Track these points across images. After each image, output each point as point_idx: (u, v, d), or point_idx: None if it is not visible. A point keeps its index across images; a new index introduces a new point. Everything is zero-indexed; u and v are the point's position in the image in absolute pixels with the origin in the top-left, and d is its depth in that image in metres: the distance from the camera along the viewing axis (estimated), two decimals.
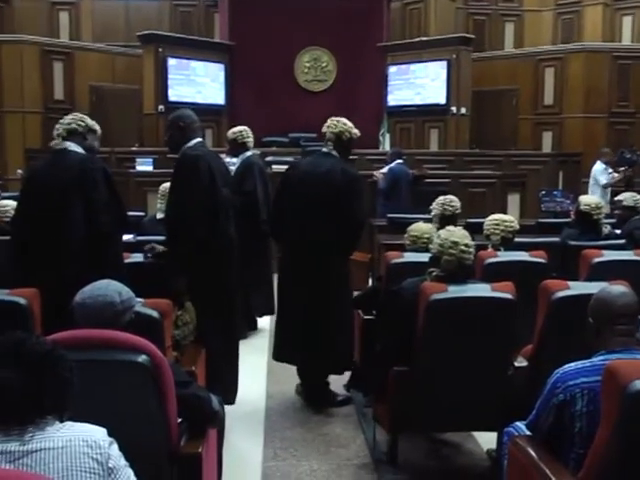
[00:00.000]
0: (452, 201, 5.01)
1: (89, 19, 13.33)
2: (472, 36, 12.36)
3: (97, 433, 1.70)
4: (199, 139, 4.04)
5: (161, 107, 11.66)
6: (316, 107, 11.38)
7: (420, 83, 12.12)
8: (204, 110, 10.94)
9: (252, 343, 5.59)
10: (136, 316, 2.57)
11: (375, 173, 8.99)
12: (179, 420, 2.48)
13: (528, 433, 2.59)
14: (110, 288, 2.50)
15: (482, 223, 4.74)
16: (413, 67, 12.21)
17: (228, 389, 3.96)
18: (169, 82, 11.88)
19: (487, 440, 3.85)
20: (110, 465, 1.68)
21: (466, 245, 3.41)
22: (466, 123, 11.96)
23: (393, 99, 12.37)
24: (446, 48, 11.88)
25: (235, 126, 6.19)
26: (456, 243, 3.39)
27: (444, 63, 11.83)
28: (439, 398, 3.40)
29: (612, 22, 13.26)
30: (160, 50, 11.80)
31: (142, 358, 2.26)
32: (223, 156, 5.48)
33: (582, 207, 5.24)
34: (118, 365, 2.27)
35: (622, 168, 9.41)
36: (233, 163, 5.83)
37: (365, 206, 4.94)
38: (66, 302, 2.57)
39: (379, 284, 4.46)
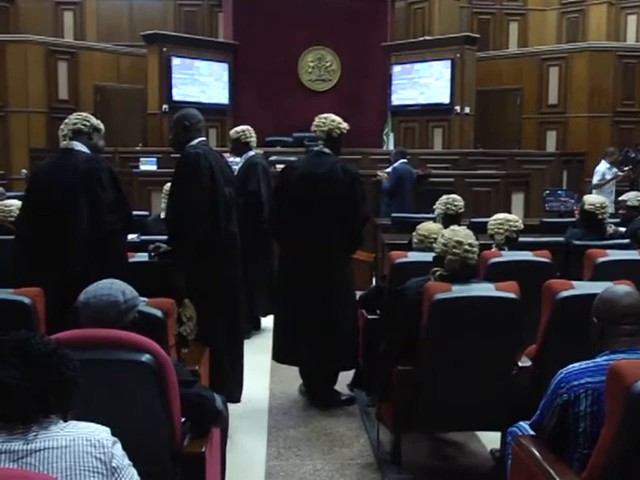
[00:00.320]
0: (456, 200, 5.00)
1: (93, 19, 13.34)
2: (476, 35, 12.34)
3: (101, 432, 1.70)
4: (202, 138, 4.04)
5: (165, 107, 11.69)
6: (320, 107, 11.29)
7: (424, 82, 12.11)
8: (208, 110, 10.92)
9: (255, 343, 5.59)
10: (140, 315, 2.57)
11: (379, 172, 9.00)
12: (183, 419, 2.48)
13: (532, 433, 2.58)
14: (114, 287, 2.50)
15: (486, 223, 4.74)
16: (417, 66, 12.20)
17: (233, 389, 3.96)
18: (173, 82, 11.90)
19: (491, 440, 3.85)
20: (114, 464, 1.68)
21: (470, 245, 3.41)
22: (470, 123, 11.94)
23: (397, 98, 12.36)
24: (450, 47, 11.85)
25: (238, 125, 6.20)
26: (460, 242, 3.39)
27: (448, 62, 11.81)
28: (443, 398, 3.39)
29: (617, 21, 13.22)
30: (164, 50, 11.82)
31: (146, 357, 2.26)
32: (227, 155, 5.49)
33: (586, 207, 5.23)
34: (122, 364, 2.28)
35: (626, 167, 9.39)
36: (236, 162, 5.83)
37: (367, 202, 4.96)
38: (70, 301, 2.57)
39: (383, 284, 4.46)
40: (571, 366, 2.39)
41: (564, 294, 3.30)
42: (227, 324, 4.00)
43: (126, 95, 12.08)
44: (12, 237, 3.96)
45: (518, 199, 9.29)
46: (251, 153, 5.93)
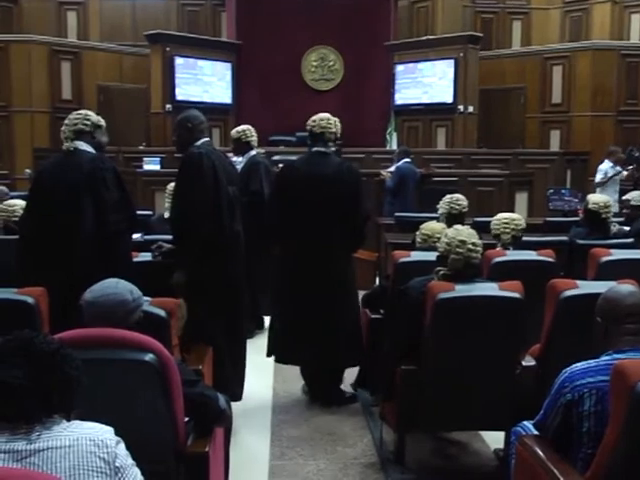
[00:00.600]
0: (459, 200, 4.99)
1: (97, 19, 13.36)
2: (479, 34, 12.32)
3: (104, 432, 1.70)
4: (206, 139, 4.04)
5: (168, 106, 11.70)
6: (323, 106, 11.29)
7: (427, 82, 12.10)
8: (211, 109, 10.96)
9: (259, 342, 5.57)
10: (143, 315, 2.57)
11: (382, 172, 8.99)
12: (186, 419, 2.48)
13: (536, 433, 2.58)
14: (120, 286, 2.50)
15: (490, 222, 4.73)
16: (420, 66, 12.19)
17: (234, 388, 3.96)
18: (176, 81, 11.92)
19: (494, 439, 3.84)
20: (117, 464, 1.68)
21: (473, 244, 3.40)
22: (473, 122, 11.93)
23: (400, 98, 12.35)
24: (453, 46, 11.84)
25: (242, 125, 6.19)
26: (463, 242, 3.38)
27: (451, 62, 11.81)
28: (446, 397, 3.39)
29: (620, 20, 13.17)
30: (167, 49, 11.83)
31: (149, 357, 2.26)
32: (230, 155, 5.49)
33: (590, 206, 5.22)
34: (125, 364, 2.28)
35: (630, 166, 9.37)
36: (238, 162, 5.83)
37: (367, 201, 5.02)
38: (74, 301, 2.57)
39: (386, 283, 4.46)
40: (575, 365, 2.38)
41: (568, 293, 3.30)
42: (229, 323, 4.00)
43: (129, 95, 12.10)
44: (16, 237, 3.97)
45: (522, 198, 9.27)
46: (252, 152, 5.93)
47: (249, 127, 6.01)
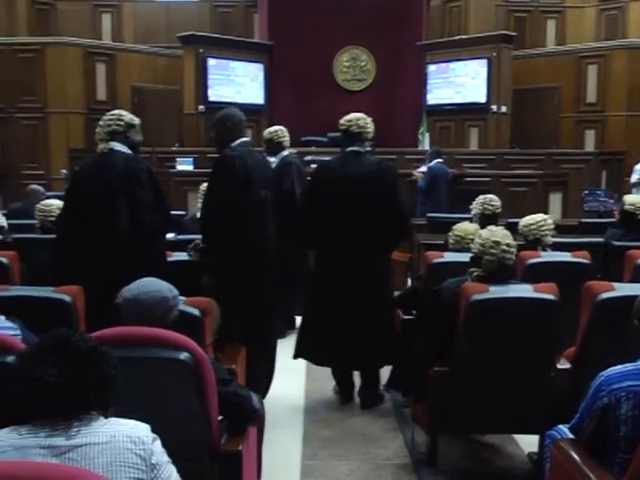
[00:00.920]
0: (492, 200, 4.96)
1: (131, 21, 13.53)
2: (513, 33, 12.20)
3: (141, 429, 1.72)
4: (245, 139, 4.06)
5: (201, 107, 11.78)
6: (355, 106, 11.26)
7: (460, 82, 12.02)
8: (243, 110, 10.86)
9: (291, 342, 5.59)
10: (178, 314, 2.60)
11: (414, 172, 8.96)
12: (220, 418, 2.49)
13: (571, 436, 2.55)
14: (161, 284, 2.53)
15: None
16: (453, 65, 12.12)
17: (262, 388, 3.96)
18: (209, 82, 11.99)
19: (528, 443, 3.80)
20: (153, 461, 1.69)
21: (508, 245, 3.37)
22: (507, 122, 11.82)
23: (432, 98, 12.28)
24: (486, 46, 11.75)
25: (273, 126, 6.22)
26: (498, 243, 3.36)
27: (484, 61, 11.72)
28: (479, 400, 3.36)
29: None
30: (200, 51, 11.91)
31: (184, 356, 2.28)
32: None
33: (626, 206, 5.15)
34: (160, 362, 2.30)
35: None
36: (271, 162, 5.85)
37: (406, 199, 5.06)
38: (110, 300, 2.60)
39: (419, 284, 4.44)
40: (612, 369, 2.35)
41: (604, 296, 3.25)
42: (260, 323, 4.01)
43: (162, 96, 12.21)
44: (53, 236, 4.03)
45: (556, 199, 9.16)
46: (285, 153, 5.95)
47: (281, 128, 6.04)
